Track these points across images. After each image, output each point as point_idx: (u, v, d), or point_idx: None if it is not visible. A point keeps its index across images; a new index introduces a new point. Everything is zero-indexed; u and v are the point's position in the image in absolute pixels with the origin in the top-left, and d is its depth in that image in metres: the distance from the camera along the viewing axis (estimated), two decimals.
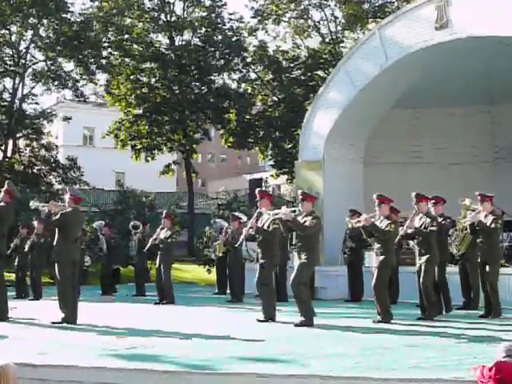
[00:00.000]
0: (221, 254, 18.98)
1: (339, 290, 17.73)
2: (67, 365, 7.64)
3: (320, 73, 36.95)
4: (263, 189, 12.45)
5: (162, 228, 16.74)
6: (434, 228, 12.55)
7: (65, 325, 11.53)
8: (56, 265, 12.03)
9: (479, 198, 13.12)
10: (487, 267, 12.79)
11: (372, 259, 13.52)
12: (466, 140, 22.50)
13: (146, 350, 8.83)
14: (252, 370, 7.34)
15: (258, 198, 12.52)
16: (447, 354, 8.30)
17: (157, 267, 16.78)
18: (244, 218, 17.77)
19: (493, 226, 12.74)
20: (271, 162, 40.70)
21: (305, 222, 11.70)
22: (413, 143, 23.00)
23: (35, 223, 18.53)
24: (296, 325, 11.35)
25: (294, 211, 12.04)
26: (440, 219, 13.68)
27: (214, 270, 22.36)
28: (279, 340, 9.96)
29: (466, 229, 13.66)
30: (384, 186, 21.52)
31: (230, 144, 40.01)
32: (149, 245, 17.19)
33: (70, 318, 11.73)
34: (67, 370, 7.51)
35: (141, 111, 38.64)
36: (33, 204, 14.02)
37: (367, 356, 8.30)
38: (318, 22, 38.35)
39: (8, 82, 36.81)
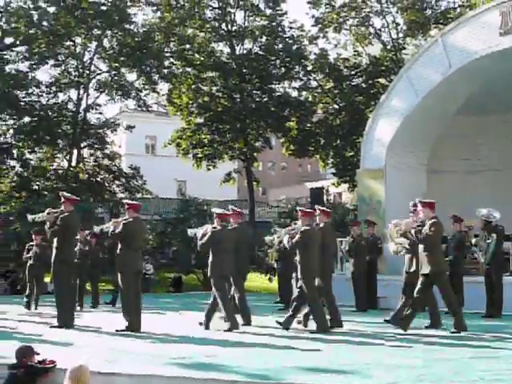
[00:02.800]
0: (273, 262, 19.03)
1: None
2: (132, 373, 7.72)
3: (381, 80, 36.62)
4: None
5: None
6: None
7: (129, 333, 11.67)
8: (119, 274, 12.19)
9: (419, 204, 12.39)
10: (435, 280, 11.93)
11: None
12: None
13: (208, 359, 8.87)
14: (317, 380, 7.31)
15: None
16: None
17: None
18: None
19: (429, 233, 11.77)
20: (332, 170, 40.49)
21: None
22: (476, 150, 22.67)
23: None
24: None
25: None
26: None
27: (275, 278, 22.32)
28: (340, 350, 9.91)
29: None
30: (447, 194, 21.40)
31: (290, 152, 39.89)
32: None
33: (133, 326, 11.87)
34: (132, 378, 7.58)
35: (202, 120, 38.82)
36: (97, 229, 14.24)
37: (430, 367, 8.20)
38: (380, 29, 38.00)
39: (73, 93, 37.47)
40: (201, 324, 12.82)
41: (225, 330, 12.05)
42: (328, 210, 13.92)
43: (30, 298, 17.94)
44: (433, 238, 11.82)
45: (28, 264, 18.40)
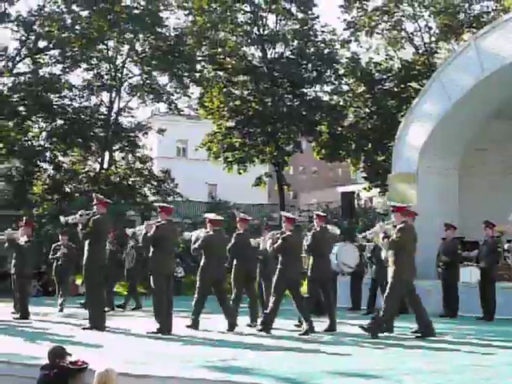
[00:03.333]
0: (306, 266, 18.86)
1: (433, 305, 17.38)
2: (164, 375, 7.74)
3: (413, 84, 36.42)
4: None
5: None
6: None
7: (159, 335, 11.71)
8: (151, 277, 12.26)
9: (391, 209, 12.44)
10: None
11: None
12: None
13: (237, 362, 8.87)
14: None
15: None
16: None
17: (257, 280, 16.53)
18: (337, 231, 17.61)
19: (394, 238, 11.66)
20: (363, 175, 40.36)
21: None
22: (508, 155, 22.43)
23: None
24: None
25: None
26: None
27: (305, 282, 22.18)
28: (369, 355, 9.86)
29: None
30: (479, 198, 21.23)
31: (321, 156, 39.82)
32: None
33: (164, 328, 11.91)
34: (164, 381, 7.60)
35: (233, 124, 38.88)
36: (129, 231, 14.34)
37: (461, 373, 8.14)
38: (412, 33, 37.81)
39: (105, 96, 37.70)
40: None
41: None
42: (323, 215, 14.32)
43: (58, 299, 17.96)
44: (398, 244, 11.65)
45: (55, 265, 18.48)
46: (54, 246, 18.88)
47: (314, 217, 13.92)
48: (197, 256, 19.76)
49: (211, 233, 13.12)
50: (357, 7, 37.63)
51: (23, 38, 34.86)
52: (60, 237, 18.72)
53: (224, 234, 13.72)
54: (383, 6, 37.07)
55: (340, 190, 45.20)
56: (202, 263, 13.19)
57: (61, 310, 17.50)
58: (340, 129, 38.51)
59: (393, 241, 11.67)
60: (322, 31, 38.79)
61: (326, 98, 39.69)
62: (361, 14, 37.62)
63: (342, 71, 38.48)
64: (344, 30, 38.33)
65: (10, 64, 35.19)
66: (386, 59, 38.18)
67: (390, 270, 11.73)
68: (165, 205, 13.38)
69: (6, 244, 16.34)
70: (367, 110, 38.31)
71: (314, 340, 11.48)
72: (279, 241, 12.66)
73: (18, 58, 35.40)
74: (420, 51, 37.58)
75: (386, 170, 29.82)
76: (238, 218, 14.63)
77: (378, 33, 38.08)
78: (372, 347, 10.65)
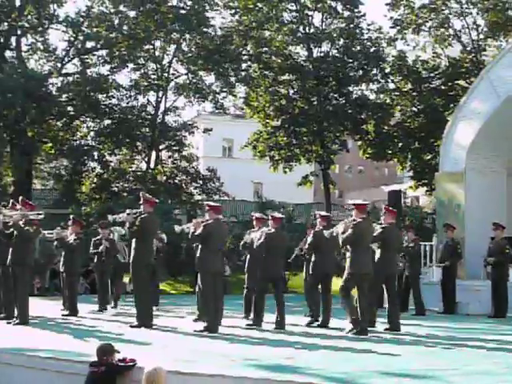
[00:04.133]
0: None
1: (482, 305, 17.21)
2: (211, 373, 7.75)
3: (461, 82, 36.10)
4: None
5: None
6: None
7: (207, 333, 11.75)
8: (198, 275, 12.30)
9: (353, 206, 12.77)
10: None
11: None
12: None
13: (286, 361, 8.85)
14: None
15: None
16: None
17: (304, 278, 16.63)
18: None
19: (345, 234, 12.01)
20: (410, 174, 40.06)
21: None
22: None
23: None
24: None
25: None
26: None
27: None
28: (419, 355, 9.77)
29: None
30: None
31: (367, 155, 39.66)
32: (294, 255, 17.52)
33: (211, 326, 11.94)
34: (211, 379, 7.62)
35: (279, 122, 38.88)
36: (177, 228, 14.41)
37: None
38: (459, 31, 37.46)
39: (152, 96, 38.05)
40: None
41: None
42: (326, 215, 14.78)
43: (108, 296, 17.89)
44: (350, 240, 11.96)
45: (96, 260, 17.67)
46: (93, 240, 17.94)
47: (317, 217, 14.42)
48: (242, 254, 19.85)
49: (211, 221, 12.36)
50: (403, 5, 37.37)
51: (71, 38, 35.39)
52: (100, 230, 17.88)
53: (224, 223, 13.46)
54: (430, 4, 36.78)
55: (385, 188, 44.89)
56: (198, 254, 12.32)
57: (114, 307, 17.65)
58: (386, 127, 38.30)
59: (345, 237, 12.00)
60: (368, 29, 38.63)
61: (372, 96, 39.54)
62: (407, 11, 37.37)
63: (388, 69, 38.26)
64: (390, 27, 38.13)
65: (58, 64, 35.69)
66: (433, 57, 37.88)
67: (347, 265, 12.18)
68: (213, 203, 13.41)
69: (56, 242, 16.55)
70: (414, 109, 38.07)
71: (365, 339, 11.40)
72: (261, 238, 12.99)
73: (66, 59, 35.95)
74: (468, 49, 37.20)
75: (432, 168, 29.58)
76: (254, 217, 14.85)
77: (424, 30, 37.81)
78: (421, 347, 10.55)
